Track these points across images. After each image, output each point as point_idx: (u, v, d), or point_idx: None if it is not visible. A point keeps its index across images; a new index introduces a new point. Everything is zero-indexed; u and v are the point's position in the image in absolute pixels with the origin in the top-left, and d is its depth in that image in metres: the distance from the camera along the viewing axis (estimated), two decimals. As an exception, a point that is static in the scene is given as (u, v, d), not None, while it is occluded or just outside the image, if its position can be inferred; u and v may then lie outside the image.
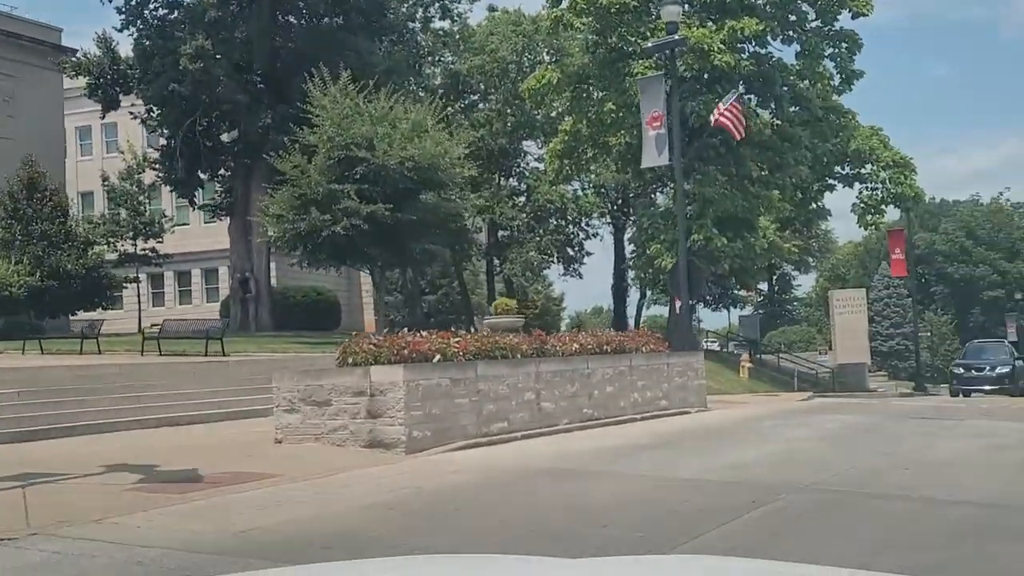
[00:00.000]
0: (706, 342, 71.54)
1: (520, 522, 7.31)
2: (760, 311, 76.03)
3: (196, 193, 38.51)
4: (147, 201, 40.76)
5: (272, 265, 38.88)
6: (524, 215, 46.68)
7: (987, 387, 31.49)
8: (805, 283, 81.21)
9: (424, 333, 12.49)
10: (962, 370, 34.08)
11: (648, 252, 34.59)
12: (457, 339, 12.46)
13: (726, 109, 23.73)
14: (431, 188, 26.90)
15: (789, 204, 38.27)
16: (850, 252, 77.30)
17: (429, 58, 46.33)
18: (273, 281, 39.62)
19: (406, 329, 12.83)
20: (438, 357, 11.89)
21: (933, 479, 9.49)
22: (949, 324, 70.65)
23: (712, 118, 24.28)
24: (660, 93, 22.32)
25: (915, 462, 10.62)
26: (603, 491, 8.85)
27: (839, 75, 33.27)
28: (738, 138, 25.60)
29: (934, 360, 68.80)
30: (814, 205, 39.50)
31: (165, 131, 36.23)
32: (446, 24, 44.80)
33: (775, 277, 74.68)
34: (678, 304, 30.16)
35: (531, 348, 13.49)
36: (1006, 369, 32.58)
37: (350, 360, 11.60)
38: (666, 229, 33.70)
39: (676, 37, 22.47)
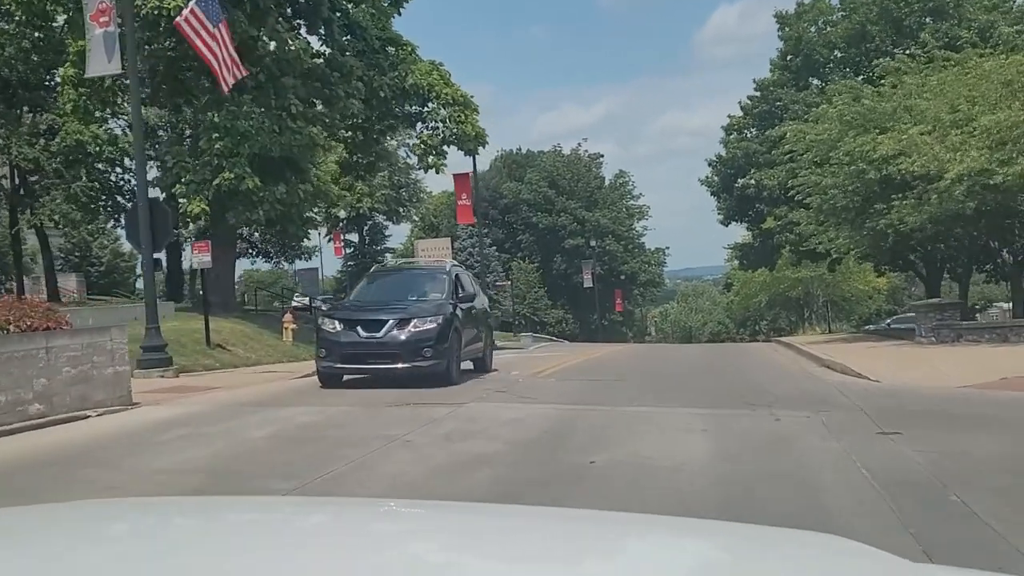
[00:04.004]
0: (297, 299, 66.59)
1: None
2: (350, 263, 72.17)
3: None
4: None
5: None
6: (55, 158, 38.70)
7: (383, 365, 14.36)
8: (400, 233, 78.62)
9: None
10: (337, 327, 15.00)
11: (174, 194, 28.86)
12: None
13: (206, 32, 18.55)
14: None
15: (347, 145, 34.04)
16: (443, 201, 75.34)
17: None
18: None
19: None
20: None
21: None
22: (535, 272, 70.89)
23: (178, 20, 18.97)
24: (109, -21, 16.55)
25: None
26: None
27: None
28: (225, 90, 20.60)
29: (522, 308, 68.71)
30: (381, 146, 35.48)
31: None
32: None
33: (366, 228, 71.05)
34: (197, 257, 24.92)
35: None
36: (429, 326, 14.69)
37: None
38: (193, 168, 28.14)
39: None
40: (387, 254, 73.59)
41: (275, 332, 27.67)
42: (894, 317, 52.47)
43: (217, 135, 27.24)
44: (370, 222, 70.15)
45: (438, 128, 31.80)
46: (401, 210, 69.80)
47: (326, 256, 79.83)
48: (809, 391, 13.29)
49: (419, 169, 37.37)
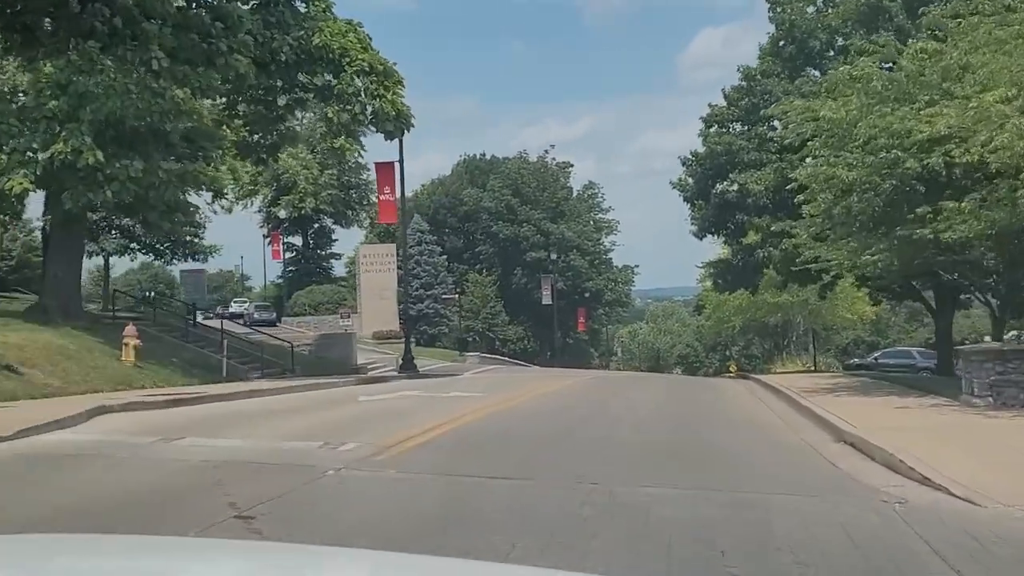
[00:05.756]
0: (236, 304, 59.53)
1: None
2: (291, 268, 65.38)
3: None
4: None
5: None
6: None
7: None
8: (350, 238, 71.78)
9: None
10: None
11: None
12: None
13: None
14: None
15: (245, 121, 27.38)
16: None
17: None
18: None
19: None
20: None
21: None
22: (492, 285, 64.28)
23: None
24: None
25: None
26: None
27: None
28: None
29: (475, 324, 62.00)
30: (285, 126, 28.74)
31: None
32: None
33: (311, 231, 64.25)
34: None
35: None
36: None
37: None
38: (21, 134, 21.43)
39: None
40: (332, 260, 66.69)
41: (116, 348, 20.94)
42: (882, 351, 46.14)
43: (50, 92, 20.67)
44: (316, 224, 63.34)
45: (350, 103, 25.18)
46: (350, 213, 62.95)
47: (267, 259, 72.75)
48: (858, 533, 6.69)
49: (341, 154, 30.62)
